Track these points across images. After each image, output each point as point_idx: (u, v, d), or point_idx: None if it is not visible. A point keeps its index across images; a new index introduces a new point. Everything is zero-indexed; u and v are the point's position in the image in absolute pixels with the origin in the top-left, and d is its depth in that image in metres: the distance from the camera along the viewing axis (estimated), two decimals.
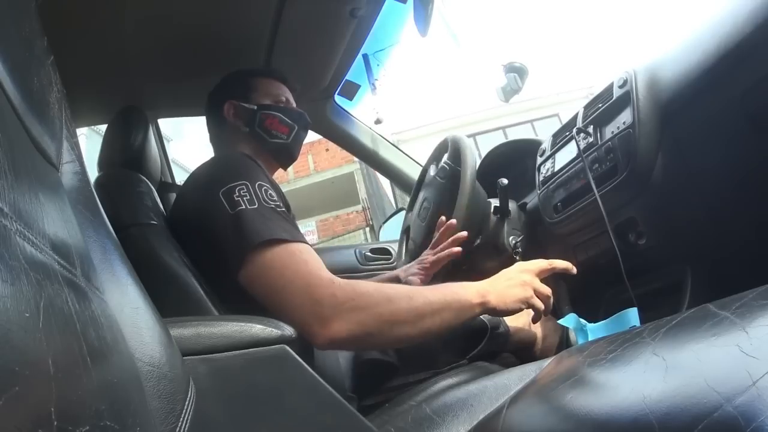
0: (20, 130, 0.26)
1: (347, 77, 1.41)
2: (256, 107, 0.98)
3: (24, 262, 0.18)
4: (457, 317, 0.71)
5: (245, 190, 0.73)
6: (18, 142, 0.25)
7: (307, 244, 0.72)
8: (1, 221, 0.18)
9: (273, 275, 0.67)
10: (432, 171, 1.22)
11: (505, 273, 0.78)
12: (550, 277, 0.80)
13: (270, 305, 0.67)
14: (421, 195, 1.25)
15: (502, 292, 0.74)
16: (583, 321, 0.78)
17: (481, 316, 0.95)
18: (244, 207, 0.70)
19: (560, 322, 0.77)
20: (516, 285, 0.75)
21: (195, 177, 0.86)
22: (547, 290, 0.77)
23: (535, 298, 0.75)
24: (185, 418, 0.36)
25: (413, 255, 1.13)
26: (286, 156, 1.02)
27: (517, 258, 1.04)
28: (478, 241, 1.11)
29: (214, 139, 1.05)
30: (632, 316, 0.70)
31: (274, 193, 0.76)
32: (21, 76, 0.27)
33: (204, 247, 0.75)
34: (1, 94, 0.24)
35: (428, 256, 1.04)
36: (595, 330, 0.75)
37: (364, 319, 0.65)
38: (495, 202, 1.10)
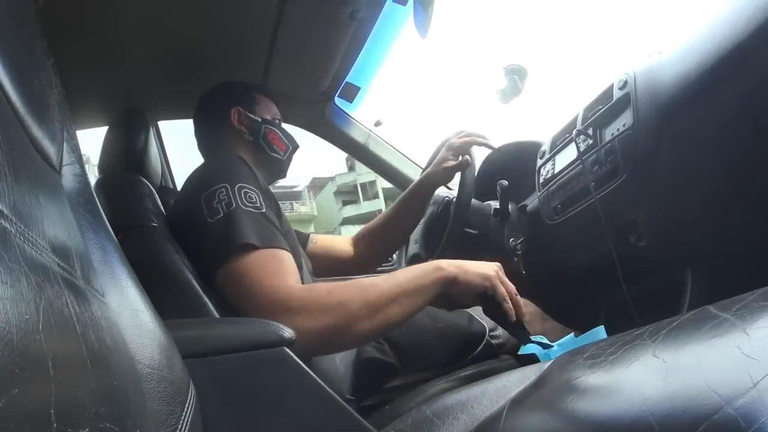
0: (20, 131, 0.26)
1: (347, 79, 1.41)
2: (260, 119, 1.02)
3: (24, 264, 0.18)
4: (417, 299, 0.71)
5: (224, 193, 0.74)
6: (18, 144, 0.25)
7: (280, 247, 0.72)
8: (1, 223, 0.18)
9: (237, 284, 0.69)
10: None
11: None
12: (524, 294, 0.79)
13: (239, 314, 0.68)
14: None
15: (463, 265, 0.74)
16: (547, 343, 0.75)
17: (479, 320, 0.95)
18: (221, 214, 0.72)
19: (521, 351, 0.75)
20: (482, 265, 0.75)
21: (188, 180, 0.87)
22: (511, 286, 0.76)
23: (498, 282, 0.75)
24: (185, 421, 0.36)
25: (412, 257, 1.13)
26: (279, 172, 1.06)
27: (516, 260, 1.04)
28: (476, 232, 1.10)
29: (210, 142, 1.04)
30: (600, 334, 0.68)
31: (254, 195, 0.76)
32: (21, 78, 0.27)
33: (193, 251, 0.75)
34: (1, 95, 0.24)
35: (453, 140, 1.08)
36: (562, 348, 0.72)
37: (319, 327, 0.65)
38: (495, 204, 1.10)
